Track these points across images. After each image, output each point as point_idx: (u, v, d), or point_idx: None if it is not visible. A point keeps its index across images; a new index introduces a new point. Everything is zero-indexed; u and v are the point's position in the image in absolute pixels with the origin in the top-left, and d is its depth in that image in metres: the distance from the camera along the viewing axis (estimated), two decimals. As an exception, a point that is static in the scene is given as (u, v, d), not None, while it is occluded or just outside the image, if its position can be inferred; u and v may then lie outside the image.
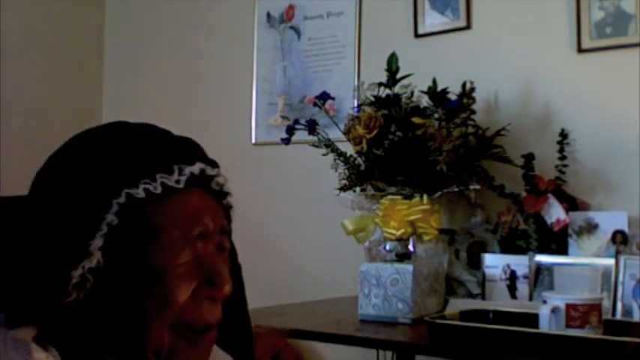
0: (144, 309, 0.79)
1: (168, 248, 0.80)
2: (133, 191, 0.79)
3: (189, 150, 0.86)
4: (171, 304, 0.79)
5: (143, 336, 0.79)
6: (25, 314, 0.81)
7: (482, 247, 2.16)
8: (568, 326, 1.52)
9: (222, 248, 0.86)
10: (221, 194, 0.88)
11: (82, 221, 0.79)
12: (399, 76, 2.12)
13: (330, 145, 2.16)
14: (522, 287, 2.01)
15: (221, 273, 0.83)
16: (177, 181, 0.81)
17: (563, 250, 2.04)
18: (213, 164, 0.87)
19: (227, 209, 0.90)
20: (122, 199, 0.79)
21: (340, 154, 2.15)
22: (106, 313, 0.80)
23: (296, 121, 2.18)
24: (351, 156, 2.13)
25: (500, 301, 1.96)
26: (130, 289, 0.79)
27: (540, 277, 2.00)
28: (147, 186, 0.80)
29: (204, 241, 0.83)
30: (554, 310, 1.53)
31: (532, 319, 1.57)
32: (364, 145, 2.04)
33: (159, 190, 0.80)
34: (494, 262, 2.06)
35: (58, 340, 0.81)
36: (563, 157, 2.15)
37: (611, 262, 1.91)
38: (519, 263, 2.02)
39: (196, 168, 0.83)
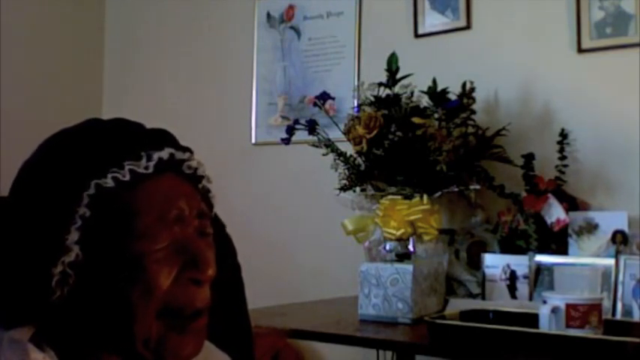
0: (128, 298, 0.79)
1: (144, 234, 0.80)
2: (102, 181, 0.79)
3: (158, 137, 0.86)
4: (154, 290, 0.79)
5: (131, 326, 0.79)
6: (20, 315, 0.81)
7: (483, 247, 2.16)
8: (568, 326, 1.52)
9: (203, 233, 0.85)
10: (196, 178, 0.88)
11: (55, 217, 0.79)
12: (399, 76, 2.12)
13: (330, 145, 2.16)
14: (522, 287, 2.01)
15: (203, 255, 0.82)
16: (146, 167, 0.81)
17: (563, 250, 2.04)
18: (185, 150, 0.87)
19: (205, 193, 0.89)
20: (92, 191, 0.79)
21: (340, 154, 2.15)
22: (92, 307, 0.80)
23: (296, 121, 2.18)
24: (351, 156, 2.13)
25: (500, 301, 1.96)
26: (112, 280, 0.79)
27: (540, 277, 2.00)
28: (115, 174, 0.80)
29: (181, 225, 0.82)
30: (554, 310, 1.53)
31: (532, 319, 1.57)
32: (364, 145, 2.04)
33: (127, 178, 0.80)
34: (494, 262, 2.06)
35: (54, 340, 0.81)
36: (563, 157, 2.15)
37: (611, 262, 1.91)
38: (519, 263, 2.02)
39: (165, 153, 0.83)
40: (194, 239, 0.83)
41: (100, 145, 0.82)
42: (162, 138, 0.86)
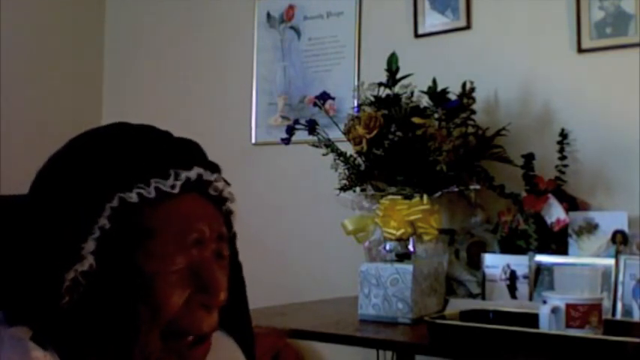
0: (136, 314, 0.78)
1: (161, 254, 0.79)
2: (127, 195, 0.78)
3: (187, 153, 0.85)
4: (162, 311, 0.78)
5: (133, 342, 0.78)
6: (23, 313, 0.81)
7: (482, 247, 2.16)
8: (568, 326, 1.52)
9: (220, 255, 0.84)
10: (220, 200, 0.87)
11: (75, 225, 0.78)
12: (399, 76, 2.12)
13: (330, 145, 2.16)
14: (522, 287, 2.01)
15: (217, 280, 0.81)
16: (173, 186, 0.80)
17: (563, 250, 2.04)
18: (213, 169, 0.86)
19: (227, 215, 0.88)
20: (115, 204, 0.78)
21: (340, 154, 2.14)
22: (98, 316, 0.79)
23: (296, 121, 2.18)
24: (351, 156, 2.13)
25: (500, 301, 1.96)
26: (122, 294, 0.78)
27: (540, 277, 2.00)
28: (140, 190, 0.79)
29: (199, 248, 0.81)
30: (554, 310, 1.53)
31: (532, 319, 1.57)
32: (364, 145, 2.04)
33: (152, 195, 0.79)
34: (494, 262, 2.06)
35: (56, 340, 0.81)
36: (563, 157, 2.15)
37: (611, 262, 1.91)
38: (519, 263, 2.02)
39: (193, 173, 0.82)
40: (210, 263, 0.82)
41: (129, 156, 0.81)
42: (191, 154, 0.85)
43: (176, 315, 0.79)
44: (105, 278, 0.79)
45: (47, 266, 0.78)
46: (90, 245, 0.78)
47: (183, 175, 0.81)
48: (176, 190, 0.80)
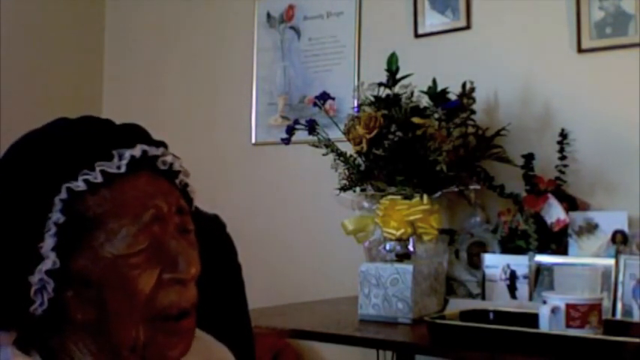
0: (111, 304, 0.76)
1: (120, 237, 0.77)
2: (73, 185, 0.76)
3: (129, 134, 0.83)
4: (136, 296, 0.77)
5: (115, 332, 0.77)
6: (2, 321, 0.79)
7: (482, 247, 2.16)
8: (568, 326, 1.52)
9: (185, 230, 0.82)
10: (172, 174, 0.85)
11: (26, 225, 0.76)
12: (399, 76, 2.12)
13: (330, 145, 2.15)
14: (522, 287, 2.01)
15: (183, 254, 0.80)
16: (119, 167, 0.78)
17: (563, 250, 2.04)
18: (158, 144, 0.84)
19: (183, 188, 0.86)
20: (64, 195, 0.76)
21: (340, 154, 2.14)
22: (74, 315, 0.78)
23: (296, 121, 2.18)
24: (351, 156, 2.13)
25: (500, 301, 1.96)
26: (92, 286, 0.77)
27: (540, 277, 2.00)
28: (86, 177, 0.77)
29: (160, 224, 0.79)
30: (554, 310, 1.53)
31: (532, 319, 1.57)
32: (364, 145, 2.04)
33: (99, 179, 0.77)
34: (494, 262, 2.06)
35: (39, 344, 0.80)
36: (563, 157, 2.15)
37: (611, 262, 1.90)
38: (519, 263, 2.02)
39: (137, 150, 0.80)
40: (175, 238, 0.80)
41: (69, 145, 0.80)
42: (133, 134, 0.83)
43: (151, 295, 0.77)
44: (72, 273, 0.77)
45: (8, 273, 0.76)
46: (48, 243, 0.76)
47: (127, 153, 0.79)
48: (122, 170, 0.78)
